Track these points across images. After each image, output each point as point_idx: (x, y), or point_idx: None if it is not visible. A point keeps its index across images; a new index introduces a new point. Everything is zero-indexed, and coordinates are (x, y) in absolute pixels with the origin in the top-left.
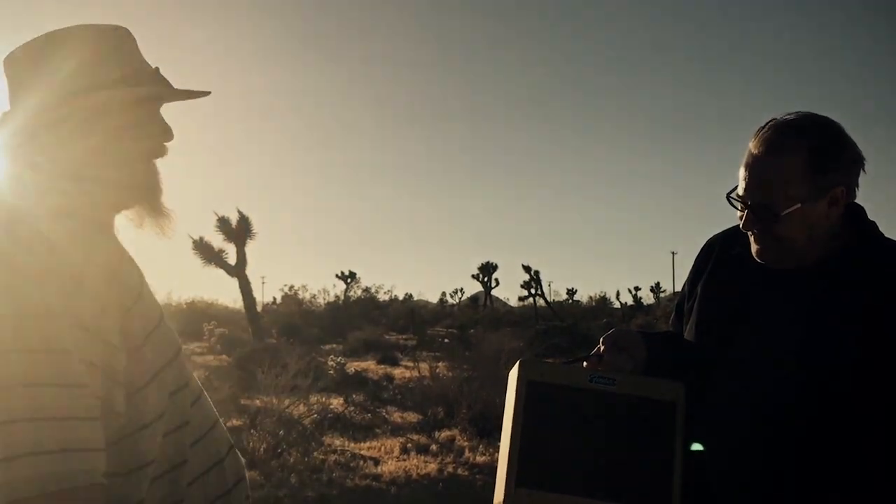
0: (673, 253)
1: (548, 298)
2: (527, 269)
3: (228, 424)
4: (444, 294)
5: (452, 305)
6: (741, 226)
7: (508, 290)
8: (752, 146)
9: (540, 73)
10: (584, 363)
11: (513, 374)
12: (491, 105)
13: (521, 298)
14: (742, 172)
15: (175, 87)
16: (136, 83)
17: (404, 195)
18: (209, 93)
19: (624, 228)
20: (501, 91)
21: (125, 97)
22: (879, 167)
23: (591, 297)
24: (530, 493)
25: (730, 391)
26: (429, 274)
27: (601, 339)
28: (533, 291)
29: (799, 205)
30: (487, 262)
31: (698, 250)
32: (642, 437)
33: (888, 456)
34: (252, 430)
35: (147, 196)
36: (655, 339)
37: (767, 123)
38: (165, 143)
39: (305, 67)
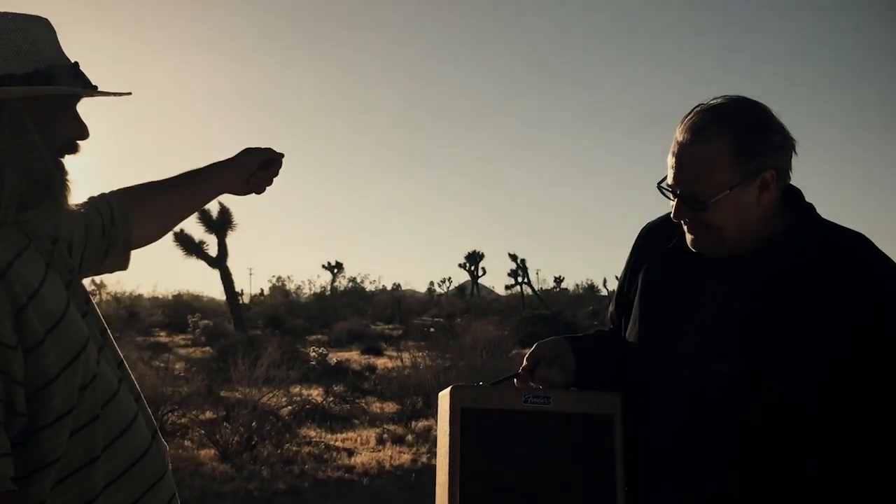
0: None
1: (535, 287)
2: (513, 257)
3: (201, 417)
4: (431, 283)
5: (440, 295)
6: (672, 216)
7: (496, 279)
8: (677, 133)
9: (526, 61)
10: (515, 381)
11: (444, 401)
12: (477, 92)
13: (507, 287)
14: (670, 160)
15: (100, 83)
16: (47, 78)
17: (393, 185)
18: (127, 93)
19: (612, 216)
20: (487, 78)
21: (29, 94)
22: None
23: (577, 285)
24: None
25: (669, 384)
26: (417, 263)
27: (526, 356)
28: (520, 280)
29: (727, 191)
30: (474, 251)
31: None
32: (583, 454)
33: (826, 449)
34: (225, 423)
35: (49, 194)
36: (585, 344)
37: (693, 109)
38: (77, 141)
39: (286, 59)
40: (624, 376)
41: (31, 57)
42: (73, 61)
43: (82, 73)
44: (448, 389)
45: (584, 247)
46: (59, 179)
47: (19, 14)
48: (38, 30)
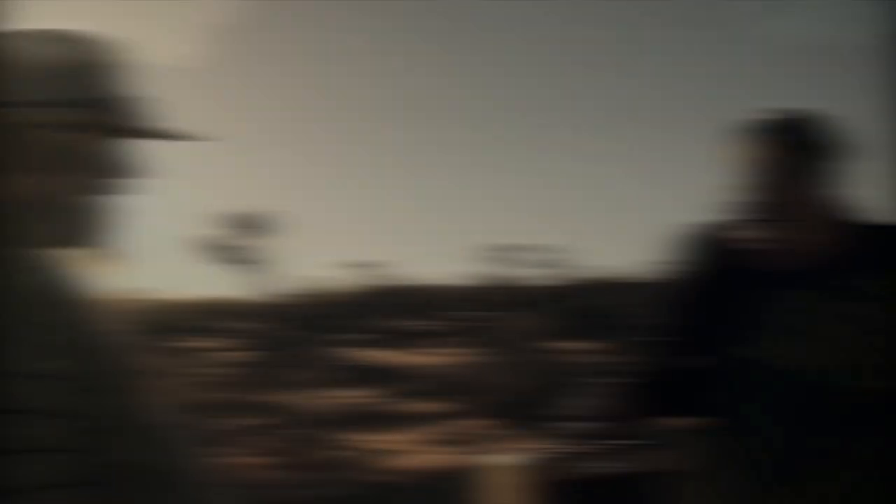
0: None
1: (571, 277)
2: (547, 247)
3: (236, 422)
4: (464, 276)
5: (473, 287)
6: (739, 224)
7: (530, 269)
8: (745, 144)
9: (562, 48)
10: (594, 427)
11: (502, 475)
12: (508, 77)
13: (540, 277)
14: (734, 168)
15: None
16: (76, 110)
17: (425, 178)
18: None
19: (650, 205)
20: (514, 67)
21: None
22: None
23: (613, 274)
24: None
25: (743, 396)
26: (452, 257)
27: (578, 413)
28: (554, 269)
29: (793, 200)
30: (507, 243)
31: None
32: None
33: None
34: (264, 428)
35: (79, 238)
36: (636, 390)
37: (759, 121)
38: (111, 180)
39: (294, 51)
40: (679, 402)
41: (65, 84)
42: (120, 93)
43: (124, 107)
44: (500, 460)
45: (621, 236)
46: (86, 223)
47: (63, 32)
48: (81, 53)
